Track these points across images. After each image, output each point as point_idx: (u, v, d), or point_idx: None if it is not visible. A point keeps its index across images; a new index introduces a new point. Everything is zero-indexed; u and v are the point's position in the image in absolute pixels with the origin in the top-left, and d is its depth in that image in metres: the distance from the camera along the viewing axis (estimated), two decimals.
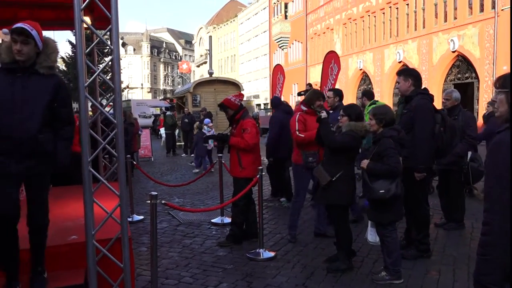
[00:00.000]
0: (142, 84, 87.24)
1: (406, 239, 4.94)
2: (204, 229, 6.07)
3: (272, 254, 4.87)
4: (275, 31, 41.75)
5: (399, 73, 4.84)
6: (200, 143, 12.02)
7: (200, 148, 12.07)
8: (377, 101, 7.66)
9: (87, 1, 3.21)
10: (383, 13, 27.73)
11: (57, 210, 4.75)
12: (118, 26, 3.25)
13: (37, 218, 3.27)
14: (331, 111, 5.98)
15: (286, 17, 41.33)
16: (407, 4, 25.82)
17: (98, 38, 3.56)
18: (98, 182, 3.38)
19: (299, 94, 8.00)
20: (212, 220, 6.39)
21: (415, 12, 25.27)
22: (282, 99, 8.85)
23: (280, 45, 41.98)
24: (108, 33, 3.49)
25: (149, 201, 3.66)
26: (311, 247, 5.19)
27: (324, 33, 34.70)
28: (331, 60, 9.88)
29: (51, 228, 3.94)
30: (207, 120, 12.83)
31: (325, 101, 7.76)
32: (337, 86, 9.47)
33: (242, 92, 20.72)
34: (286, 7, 41.35)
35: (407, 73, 4.75)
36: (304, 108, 5.32)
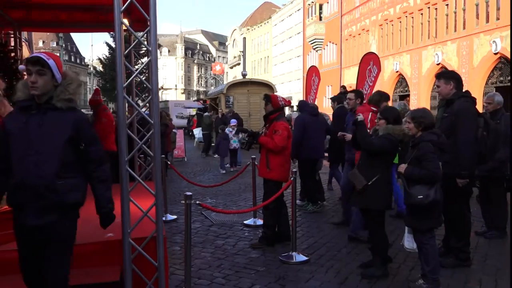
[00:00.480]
0: (176, 85, 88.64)
1: (444, 246, 4.79)
2: (237, 230, 6.08)
3: (305, 257, 4.83)
4: (309, 32, 41.53)
5: (438, 76, 4.70)
6: (222, 144, 12.46)
7: (222, 149, 12.43)
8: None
9: (126, 4, 3.28)
10: (421, 13, 27.11)
11: (94, 207, 4.86)
12: (156, 28, 3.31)
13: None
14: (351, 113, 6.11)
15: (320, 18, 41.03)
16: (447, 5, 25.15)
17: (136, 40, 3.64)
18: (134, 181, 3.45)
19: (332, 99, 7.95)
20: (245, 222, 6.40)
21: (455, 12, 24.57)
22: (316, 102, 8.79)
23: (314, 47, 41.71)
24: (146, 34, 3.58)
25: (183, 201, 3.69)
26: (345, 252, 5.11)
27: (360, 34, 34.24)
28: (370, 62, 9.69)
29: (89, 225, 4.04)
30: (233, 120, 13.09)
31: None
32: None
33: (276, 93, 20.78)
34: (320, 8, 41.05)
35: (448, 76, 4.61)
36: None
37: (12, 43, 6.84)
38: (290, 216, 5.11)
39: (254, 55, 60.10)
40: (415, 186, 3.80)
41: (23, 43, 7.76)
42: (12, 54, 6.28)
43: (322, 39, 40.67)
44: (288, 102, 5.71)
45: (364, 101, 6.12)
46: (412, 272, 4.45)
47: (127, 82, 3.34)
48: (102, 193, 2.89)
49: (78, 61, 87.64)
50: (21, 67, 2.66)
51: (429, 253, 3.92)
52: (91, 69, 63.27)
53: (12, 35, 6.96)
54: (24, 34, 8.00)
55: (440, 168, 3.83)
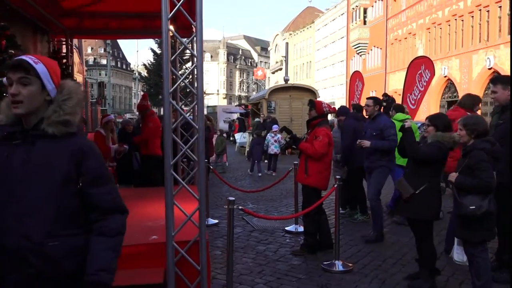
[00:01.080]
0: (218, 90, 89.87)
1: (497, 260, 4.57)
2: (278, 237, 6.07)
3: (348, 266, 4.75)
4: (353, 36, 41.04)
5: (495, 80, 4.51)
6: (255, 148, 13.01)
7: (256, 153, 12.93)
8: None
9: (173, 11, 3.36)
10: (472, 16, 26.18)
11: (139, 210, 5.00)
12: (202, 34, 3.37)
13: None
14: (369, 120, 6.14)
15: (365, 22, 40.47)
16: (500, 7, 24.17)
17: (183, 46, 3.72)
18: (178, 185, 3.52)
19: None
20: (286, 228, 6.38)
21: (509, 14, 23.57)
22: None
23: (358, 51, 41.17)
24: (190, 40, 3.65)
25: (226, 206, 3.72)
26: (391, 262, 4.98)
27: (406, 38, 33.48)
28: (420, 66, 9.40)
29: (134, 227, 4.15)
30: (275, 126, 13.44)
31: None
32: None
33: (318, 99, 20.64)
34: (365, 12, 40.49)
35: (506, 81, 4.41)
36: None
37: (64, 50, 7.16)
38: (333, 223, 5.04)
39: (296, 60, 60.01)
40: (467, 196, 3.65)
41: (74, 50, 8.10)
42: (64, 61, 6.57)
43: (366, 43, 40.09)
44: (333, 109, 5.66)
45: (414, 107, 5.99)
46: (462, 286, 4.28)
47: (173, 88, 3.41)
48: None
49: (124, 66, 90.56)
50: (4, 80, 1.92)
51: (481, 267, 3.75)
52: (136, 74, 65.26)
53: (63, 42, 7.29)
54: (75, 41, 8.37)
55: (494, 178, 3.66)
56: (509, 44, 23.42)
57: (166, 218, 3.35)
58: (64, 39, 7.28)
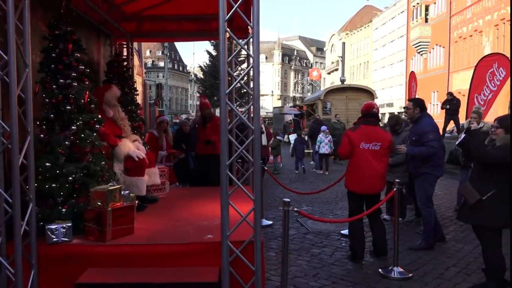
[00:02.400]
0: (272, 91, 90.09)
1: None
2: (334, 240, 6.01)
3: (408, 274, 4.61)
4: (414, 35, 39.73)
5: None
6: (298, 147, 14.03)
7: (298, 151, 13.91)
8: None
9: (230, 13, 3.43)
10: None
11: (194, 209, 5.15)
12: (259, 35, 3.41)
13: None
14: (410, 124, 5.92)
15: (426, 20, 39.07)
16: None
17: (239, 47, 3.78)
18: (234, 185, 3.58)
19: (444, 105, 7.54)
20: (342, 231, 6.30)
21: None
22: None
23: (418, 50, 39.82)
24: (247, 42, 3.70)
25: (281, 207, 3.74)
26: (454, 271, 4.78)
27: (471, 36, 31.95)
28: (492, 64, 8.87)
29: (189, 225, 4.29)
30: (323, 126, 14.16)
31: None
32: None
33: (375, 100, 20.17)
34: (427, 9, 39.08)
35: None
36: None
37: (125, 53, 7.47)
38: (392, 229, 4.90)
39: (353, 60, 58.98)
40: None
41: (134, 53, 8.45)
42: (125, 63, 6.85)
43: (427, 42, 38.68)
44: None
45: (484, 108, 5.70)
46: None
47: (229, 89, 3.48)
48: None
49: (180, 68, 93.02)
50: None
51: None
52: (192, 76, 66.86)
53: (124, 46, 7.61)
54: (135, 45, 8.71)
55: None
56: None
57: (222, 217, 3.42)
58: (124, 43, 7.59)
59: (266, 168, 8.28)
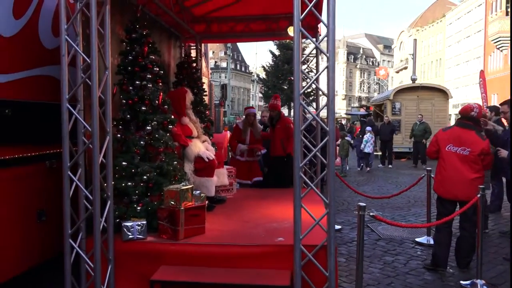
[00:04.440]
0: (337, 91, 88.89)
1: None
2: (408, 248, 5.82)
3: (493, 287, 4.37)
4: (493, 30, 37.56)
5: None
6: (358, 146, 15.27)
7: (359, 151, 15.18)
8: None
9: (306, 11, 3.44)
10: None
11: (263, 211, 5.20)
12: (334, 34, 3.39)
13: None
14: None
15: (507, 13, 36.80)
16: None
17: (313, 47, 3.77)
18: (306, 187, 3.58)
19: (490, 109, 7.10)
20: (417, 239, 6.08)
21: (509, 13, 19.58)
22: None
23: (498, 46, 37.59)
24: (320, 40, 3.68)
25: (356, 212, 3.68)
26: None
27: None
28: None
29: (260, 227, 4.34)
30: (368, 127, 15.25)
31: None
32: None
33: (450, 99, 19.32)
34: (508, 1, 36.81)
35: None
36: None
37: (193, 54, 7.69)
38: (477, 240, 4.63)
39: (424, 57, 56.81)
40: None
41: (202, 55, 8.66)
42: (194, 65, 7.05)
43: (508, 36, 36.40)
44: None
45: None
46: None
47: (303, 89, 3.48)
48: None
49: (243, 69, 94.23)
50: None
51: None
52: (255, 76, 67.52)
53: (193, 47, 7.82)
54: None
55: None
56: None
57: (294, 220, 3.42)
58: (193, 44, 7.81)
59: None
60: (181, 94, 5.39)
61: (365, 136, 15.08)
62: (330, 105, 3.40)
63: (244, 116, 7.42)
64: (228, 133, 12.23)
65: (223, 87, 15.24)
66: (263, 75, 44.63)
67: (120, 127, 4.31)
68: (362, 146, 14.87)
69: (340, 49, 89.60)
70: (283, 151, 7.07)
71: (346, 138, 14.34)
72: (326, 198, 3.43)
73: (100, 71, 3.70)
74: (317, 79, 4.13)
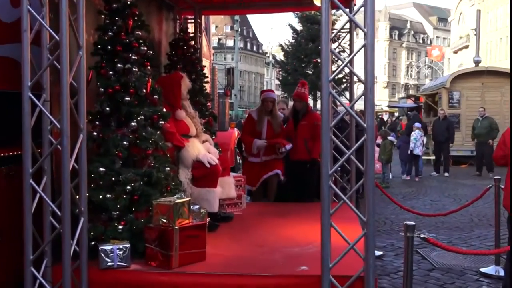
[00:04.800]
0: (376, 77, 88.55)
1: None
2: (470, 281, 5.81)
3: None
4: None
5: None
6: (403, 147, 15.37)
7: (403, 153, 15.33)
8: None
9: None
10: None
11: (281, 231, 5.21)
12: (374, 3, 3.38)
13: None
14: None
15: None
16: None
17: (347, 20, 3.76)
18: (337, 201, 3.57)
19: None
20: (482, 270, 6.06)
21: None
22: None
23: None
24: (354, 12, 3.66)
25: (403, 233, 3.66)
26: None
27: None
28: None
29: (278, 252, 4.33)
30: (417, 123, 15.45)
31: None
32: None
33: None
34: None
35: None
36: None
37: (191, 30, 7.63)
38: None
39: (490, 33, 56.39)
40: None
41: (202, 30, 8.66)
42: (192, 43, 7.04)
43: None
44: None
45: None
46: None
47: (334, 74, 3.47)
48: None
49: (254, 48, 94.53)
50: None
51: None
52: (270, 58, 67.58)
53: (191, 21, 7.79)
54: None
55: None
56: None
57: (322, 244, 3.42)
58: (191, 17, 7.78)
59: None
60: (175, 80, 5.41)
61: (413, 133, 15.13)
62: (368, 94, 3.38)
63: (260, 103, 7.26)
64: (236, 132, 12.24)
65: (229, 71, 15.24)
66: (280, 56, 44.64)
67: (97, 122, 4.34)
68: (412, 146, 14.91)
69: (380, 22, 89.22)
70: (308, 154, 7.05)
71: (389, 137, 14.19)
72: (363, 215, 3.41)
73: (72, 51, 3.70)
74: (351, 62, 4.11)
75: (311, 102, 38.31)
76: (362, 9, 3.42)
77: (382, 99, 76.04)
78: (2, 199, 4.20)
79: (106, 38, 4.37)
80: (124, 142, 4.24)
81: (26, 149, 3.60)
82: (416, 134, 15.00)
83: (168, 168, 4.56)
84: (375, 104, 3.63)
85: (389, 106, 37.57)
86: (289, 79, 37.10)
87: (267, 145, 6.90)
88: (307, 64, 36.39)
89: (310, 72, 35.80)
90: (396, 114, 40.83)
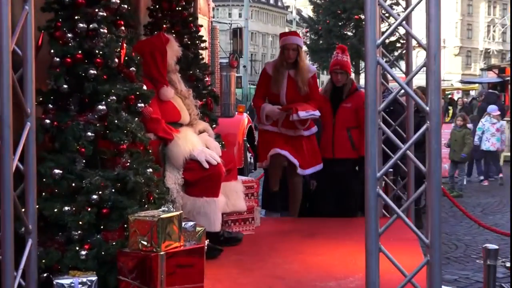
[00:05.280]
0: (444, 41, 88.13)
1: None
2: None
3: None
4: None
5: None
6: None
7: (476, 150, 15.19)
8: None
9: None
10: None
11: (313, 258, 5.24)
12: None
13: None
14: None
15: None
16: None
17: None
18: (389, 216, 3.57)
19: None
20: None
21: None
22: None
23: None
24: None
25: (479, 260, 3.66)
26: None
27: None
28: None
29: (306, 287, 4.35)
30: (492, 107, 15.35)
31: None
32: None
33: None
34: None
35: None
36: None
37: None
38: None
39: None
40: None
41: None
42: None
43: None
44: None
45: None
46: None
47: (383, 37, 3.45)
48: None
49: (272, 1, 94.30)
50: None
51: None
52: (293, 14, 67.45)
53: None
54: None
55: None
56: None
57: (367, 276, 3.42)
58: None
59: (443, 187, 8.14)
60: (159, 45, 5.41)
61: (481, 121, 15.38)
62: (432, 65, 3.36)
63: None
64: (246, 118, 12.20)
65: (236, 33, 15.24)
66: (308, 11, 44.59)
67: (51, 106, 4.35)
68: (477, 139, 15.09)
69: None
70: (352, 150, 7.08)
71: (468, 126, 14.17)
72: (426, 236, 3.40)
73: (15, 6, 3.72)
74: (407, 19, 4.09)
75: (351, 76, 38.29)
76: None
77: (452, 72, 75.75)
78: None
79: None
80: (89, 134, 4.25)
81: None
82: (483, 122, 15.21)
83: (150, 170, 4.56)
84: (441, 79, 3.62)
85: (462, 82, 37.22)
86: (320, 43, 37.04)
87: (281, 110, 6.75)
88: (345, 23, 36.29)
89: (350, 33, 35.74)
90: (473, 92, 40.51)
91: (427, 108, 3.35)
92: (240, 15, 65.89)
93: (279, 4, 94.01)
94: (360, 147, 6.83)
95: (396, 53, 24.82)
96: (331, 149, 7.09)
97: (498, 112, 15.15)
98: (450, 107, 30.88)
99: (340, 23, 36.43)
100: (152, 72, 5.23)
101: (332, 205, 7.01)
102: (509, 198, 13.08)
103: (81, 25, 4.32)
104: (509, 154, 17.63)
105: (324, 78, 38.39)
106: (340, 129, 7.10)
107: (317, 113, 6.70)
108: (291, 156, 6.67)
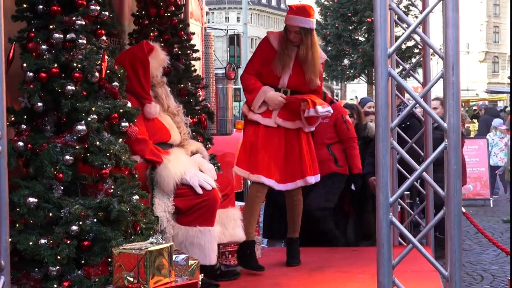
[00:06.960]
0: (468, 45, 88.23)
1: None
2: None
3: None
4: None
5: None
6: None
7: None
8: None
9: None
10: None
11: None
12: None
13: None
14: None
15: None
16: None
17: None
18: (405, 244, 3.58)
19: None
20: None
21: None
22: None
23: None
24: None
25: None
26: None
27: None
28: None
29: None
30: (497, 120, 15.71)
31: None
32: None
33: None
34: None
35: None
36: None
37: None
38: None
39: None
40: None
41: None
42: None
43: None
44: None
45: None
46: None
47: (397, 44, 3.48)
48: None
49: (273, 2, 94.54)
50: None
51: None
52: None
53: None
54: None
55: None
56: None
57: None
58: None
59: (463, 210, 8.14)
60: (140, 55, 5.41)
61: (489, 135, 15.49)
62: (451, 77, 3.38)
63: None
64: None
65: (234, 40, 15.28)
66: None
67: (24, 126, 4.37)
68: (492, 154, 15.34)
69: None
70: (338, 167, 7.08)
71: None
72: (445, 268, 3.41)
73: None
74: (423, 24, 4.12)
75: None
76: None
77: (477, 80, 75.67)
78: None
79: None
80: (67, 157, 4.26)
81: None
82: (491, 136, 15.36)
83: (137, 197, 4.57)
84: (466, 88, 3.62)
85: (488, 91, 37.15)
86: (329, 50, 37.02)
87: (286, 103, 6.09)
88: (356, 27, 36.35)
89: (362, 38, 35.78)
90: (501, 103, 40.39)
91: (445, 125, 3.37)
92: (238, 19, 66.06)
93: (282, 6, 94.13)
94: (353, 164, 6.92)
95: (414, 60, 24.89)
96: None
97: (505, 127, 15.70)
98: (475, 120, 30.85)
99: (350, 27, 36.49)
100: (134, 86, 5.21)
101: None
102: None
103: (56, 35, 4.34)
104: None
105: (334, 88, 38.45)
106: (320, 148, 7.09)
107: (331, 109, 6.18)
108: (281, 185, 6.18)
